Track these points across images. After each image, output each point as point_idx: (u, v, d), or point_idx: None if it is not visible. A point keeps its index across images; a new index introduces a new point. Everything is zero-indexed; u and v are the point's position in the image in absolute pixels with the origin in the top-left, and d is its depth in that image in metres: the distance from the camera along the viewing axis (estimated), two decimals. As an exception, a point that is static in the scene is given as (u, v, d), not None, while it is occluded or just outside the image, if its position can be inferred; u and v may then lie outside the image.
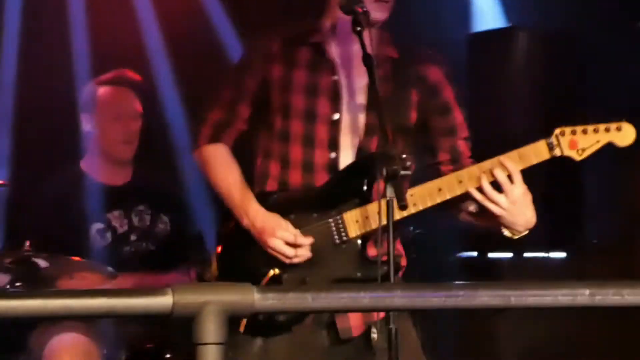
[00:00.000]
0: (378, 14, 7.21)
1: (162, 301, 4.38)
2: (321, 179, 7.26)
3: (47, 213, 9.72)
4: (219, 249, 7.64)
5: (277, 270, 7.24)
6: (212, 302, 4.33)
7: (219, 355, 4.32)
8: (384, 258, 6.97)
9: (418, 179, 7.11)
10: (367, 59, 6.99)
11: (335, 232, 7.14)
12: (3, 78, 10.95)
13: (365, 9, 7.05)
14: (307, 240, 7.14)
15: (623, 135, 7.05)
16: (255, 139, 7.51)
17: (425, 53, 7.38)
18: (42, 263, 8.92)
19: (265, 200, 7.30)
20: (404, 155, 6.93)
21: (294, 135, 7.26)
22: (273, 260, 7.20)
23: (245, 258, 7.38)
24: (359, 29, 7.06)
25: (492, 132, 10.42)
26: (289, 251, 7.13)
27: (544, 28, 10.81)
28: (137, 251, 9.87)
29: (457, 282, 6.82)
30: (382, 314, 6.99)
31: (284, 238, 7.11)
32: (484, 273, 10.00)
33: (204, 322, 4.32)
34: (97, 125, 9.97)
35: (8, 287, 9.11)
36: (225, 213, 7.49)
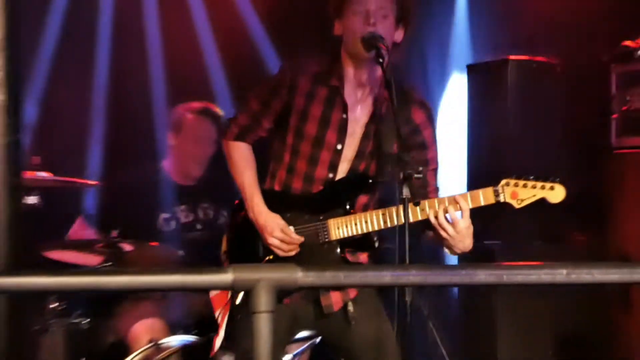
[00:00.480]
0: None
1: (225, 278, 4.31)
2: (317, 189, 7.30)
3: (131, 207, 9.52)
4: (231, 230, 7.64)
5: (272, 257, 7.26)
6: (264, 279, 4.25)
7: (269, 321, 4.26)
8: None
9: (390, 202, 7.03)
10: (388, 84, 6.83)
11: (320, 233, 7.19)
12: (97, 99, 10.57)
13: (386, 45, 6.90)
14: (298, 240, 7.18)
15: (555, 194, 7.06)
16: (271, 146, 7.46)
17: (414, 97, 7.30)
18: (126, 247, 9.07)
19: (271, 196, 7.34)
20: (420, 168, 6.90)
21: (303, 154, 7.28)
22: (269, 249, 7.24)
23: (249, 242, 7.37)
24: (381, 60, 6.82)
25: (489, 139, 10.15)
26: (284, 247, 7.18)
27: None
28: (202, 239, 9.53)
29: (460, 264, 6.88)
30: (354, 293, 7.24)
31: (280, 238, 7.17)
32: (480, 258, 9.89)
33: (258, 295, 4.23)
34: (179, 144, 9.77)
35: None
36: (240, 202, 7.47)
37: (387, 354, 7.13)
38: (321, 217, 7.20)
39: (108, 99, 10.70)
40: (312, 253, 7.13)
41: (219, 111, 10.01)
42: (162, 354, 8.63)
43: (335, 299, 7.20)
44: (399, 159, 6.89)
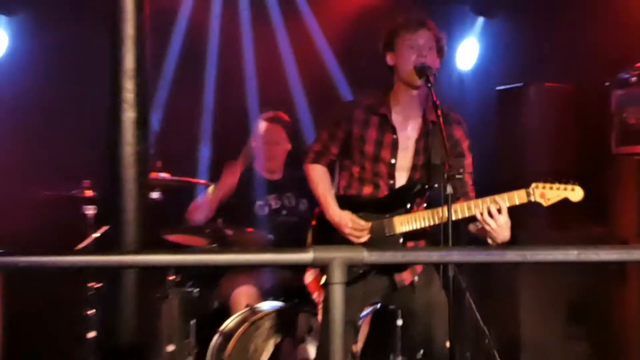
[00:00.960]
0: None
1: (307, 256, 4.41)
2: (382, 194, 7.37)
3: (232, 200, 9.61)
4: (314, 223, 7.65)
5: None
6: (337, 257, 4.34)
7: (341, 291, 4.33)
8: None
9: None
10: (435, 106, 6.91)
11: (386, 228, 7.23)
12: (205, 113, 10.58)
13: (434, 73, 7.02)
14: (366, 225, 7.22)
15: (575, 194, 7.05)
16: (341, 164, 7.54)
17: (453, 117, 7.33)
18: (228, 232, 9.15)
19: (347, 201, 7.42)
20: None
21: (367, 168, 7.37)
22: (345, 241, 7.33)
23: (328, 237, 7.35)
24: (429, 85, 6.93)
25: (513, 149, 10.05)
26: (356, 234, 7.25)
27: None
28: (287, 222, 9.62)
29: (494, 245, 6.90)
30: (419, 269, 7.36)
31: (352, 227, 7.25)
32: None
33: (332, 270, 4.32)
34: (258, 146, 9.77)
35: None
36: (320, 210, 7.55)
37: (439, 316, 7.06)
38: (387, 216, 7.22)
39: (213, 113, 10.70)
40: (380, 244, 7.09)
41: (287, 118, 10.01)
42: (256, 316, 8.66)
43: (406, 276, 7.26)
44: (445, 167, 6.85)
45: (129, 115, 4.97)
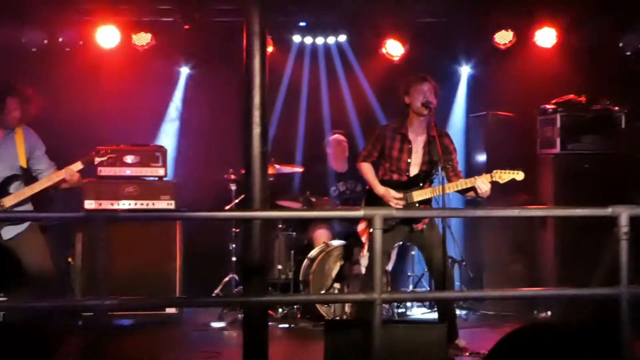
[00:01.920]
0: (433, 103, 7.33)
1: (359, 213, 4.58)
2: (404, 179, 7.46)
3: (315, 182, 9.70)
4: (365, 198, 7.75)
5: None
6: (378, 213, 4.38)
7: (380, 233, 4.38)
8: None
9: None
10: (435, 126, 7.27)
11: (408, 199, 7.37)
12: (300, 127, 10.66)
13: (434, 106, 7.30)
14: (399, 196, 7.35)
15: (519, 175, 7.27)
16: (379, 162, 7.63)
17: (443, 132, 7.52)
18: (313, 199, 9.23)
19: (385, 183, 7.50)
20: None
21: (393, 164, 7.49)
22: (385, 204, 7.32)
23: (373, 202, 7.45)
24: (431, 113, 7.28)
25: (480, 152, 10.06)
26: (393, 202, 7.34)
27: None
28: (349, 198, 9.62)
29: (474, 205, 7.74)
30: (426, 221, 7.36)
31: (391, 196, 7.36)
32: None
33: (375, 220, 4.34)
34: (330, 153, 9.84)
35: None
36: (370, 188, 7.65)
37: (439, 247, 7.19)
38: (408, 191, 7.37)
39: (304, 130, 10.70)
40: (406, 207, 7.12)
41: (344, 137, 9.91)
42: (329, 248, 8.74)
43: (419, 225, 7.32)
44: (441, 161, 7.16)
45: (256, 130, 5.02)
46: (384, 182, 7.55)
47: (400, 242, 7.97)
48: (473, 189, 7.24)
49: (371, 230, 4.77)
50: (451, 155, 7.42)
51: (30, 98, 7.10)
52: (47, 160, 7.22)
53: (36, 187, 7.06)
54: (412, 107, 7.42)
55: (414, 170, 7.46)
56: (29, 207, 7.12)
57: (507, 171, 7.26)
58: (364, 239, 7.62)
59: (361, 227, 7.61)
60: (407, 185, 7.45)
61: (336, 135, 9.93)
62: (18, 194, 7.01)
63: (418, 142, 7.48)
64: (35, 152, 7.16)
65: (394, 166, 7.50)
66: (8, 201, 6.98)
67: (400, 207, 7.24)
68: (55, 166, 7.22)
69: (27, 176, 7.18)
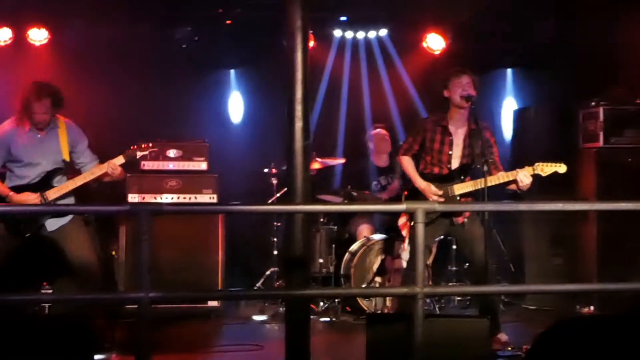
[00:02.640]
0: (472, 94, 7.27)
1: (401, 207, 4.83)
2: (445, 172, 7.39)
3: (356, 177, 9.66)
4: (405, 193, 7.69)
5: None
6: (420, 207, 4.42)
7: (422, 227, 4.42)
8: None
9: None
10: (475, 120, 7.20)
11: (449, 191, 7.32)
12: (341, 122, 10.65)
13: (475, 99, 7.21)
14: (438, 192, 7.30)
15: (562, 168, 7.19)
16: (420, 155, 7.54)
17: (484, 125, 7.29)
18: (354, 193, 9.21)
19: (426, 176, 7.44)
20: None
21: (434, 157, 7.42)
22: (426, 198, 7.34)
23: (414, 195, 7.42)
24: (472, 107, 7.18)
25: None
26: (434, 197, 7.29)
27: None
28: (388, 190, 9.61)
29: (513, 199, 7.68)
30: (467, 214, 7.28)
31: (432, 192, 7.30)
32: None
33: (417, 215, 4.39)
34: (373, 147, 9.80)
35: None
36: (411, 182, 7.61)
37: (479, 242, 7.13)
38: (449, 185, 7.30)
39: (345, 124, 10.67)
40: (447, 201, 7.17)
41: (386, 132, 9.86)
42: (370, 242, 8.72)
43: (459, 218, 7.26)
44: (482, 154, 7.07)
45: (298, 124, 5.05)
46: (424, 176, 7.49)
47: (442, 236, 7.84)
48: (514, 181, 7.17)
49: (412, 224, 4.77)
50: (491, 149, 7.32)
51: (61, 99, 7.14)
52: (90, 153, 7.28)
53: (79, 181, 7.11)
54: (452, 100, 7.36)
55: (455, 163, 7.40)
56: (71, 200, 7.18)
57: (550, 164, 7.20)
58: (404, 232, 7.56)
59: (402, 221, 7.55)
60: (448, 178, 7.39)
61: (378, 130, 9.90)
62: (61, 187, 7.07)
63: (459, 135, 7.41)
64: (77, 145, 7.22)
65: (435, 159, 7.44)
66: (52, 194, 7.04)
67: (441, 200, 7.24)
68: (98, 160, 7.27)
69: (70, 169, 7.24)
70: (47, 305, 7.31)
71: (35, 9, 9.59)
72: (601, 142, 8.98)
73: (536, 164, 7.19)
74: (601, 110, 9.00)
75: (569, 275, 9.18)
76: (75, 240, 7.07)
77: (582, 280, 8.98)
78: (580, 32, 10.04)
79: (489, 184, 7.08)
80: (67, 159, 7.16)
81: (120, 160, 7.16)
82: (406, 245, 7.83)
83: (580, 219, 9.15)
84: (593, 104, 9.09)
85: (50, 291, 7.52)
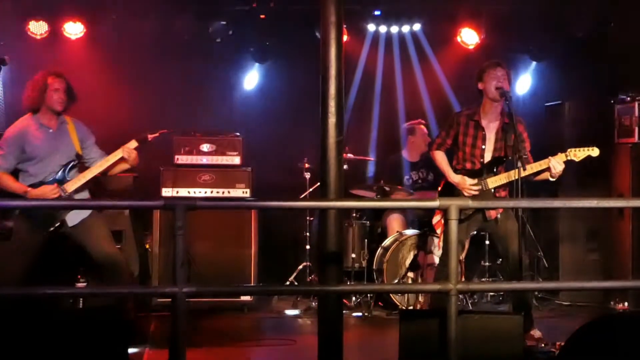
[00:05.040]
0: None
1: (435, 203, 4.57)
2: (478, 167, 7.34)
3: (389, 172, 9.69)
4: (440, 187, 7.65)
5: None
6: (454, 204, 4.41)
7: (456, 223, 4.41)
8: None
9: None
10: (510, 113, 7.14)
11: (483, 185, 7.27)
12: (374, 120, 10.60)
13: (509, 95, 7.18)
14: (473, 183, 7.24)
15: (594, 152, 7.19)
16: (453, 150, 7.49)
17: (517, 119, 7.22)
18: (387, 188, 9.16)
19: (459, 171, 7.40)
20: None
21: (467, 152, 7.37)
22: (460, 192, 7.29)
23: (450, 192, 7.37)
24: (507, 101, 7.15)
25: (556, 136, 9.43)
26: (467, 190, 7.24)
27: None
28: (422, 186, 9.57)
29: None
30: (500, 210, 7.24)
31: (467, 185, 7.25)
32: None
33: (451, 211, 4.38)
34: (413, 140, 9.76)
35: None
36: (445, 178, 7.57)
37: (513, 238, 7.11)
38: (483, 178, 7.25)
39: (378, 119, 10.60)
40: (481, 194, 7.14)
41: (424, 123, 9.87)
42: (403, 237, 8.76)
43: (492, 213, 7.18)
44: (515, 148, 7.00)
45: (332, 120, 5.06)
46: (457, 172, 7.44)
47: (475, 232, 7.84)
48: (545, 170, 7.14)
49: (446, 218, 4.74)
50: (524, 143, 7.27)
51: (74, 93, 7.18)
52: (98, 149, 7.31)
53: (95, 170, 7.14)
54: (486, 92, 7.32)
55: (487, 157, 7.37)
56: (85, 194, 7.22)
57: (582, 149, 7.18)
58: (439, 231, 7.58)
59: (436, 219, 7.55)
60: (481, 172, 7.35)
61: (422, 126, 9.89)
62: (79, 177, 7.09)
63: (491, 129, 7.36)
64: (86, 141, 7.25)
65: (468, 154, 7.39)
66: (69, 186, 7.04)
67: (476, 193, 7.21)
68: (106, 155, 7.24)
69: (82, 163, 7.28)
70: (81, 299, 7.38)
71: (72, 2, 9.68)
72: (636, 138, 8.92)
73: (568, 149, 7.17)
74: (637, 105, 8.93)
75: (604, 271, 9.19)
76: (96, 234, 7.10)
77: (617, 276, 8.92)
78: (616, 26, 9.98)
79: (522, 175, 7.03)
80: (80, 152, 7.20)
81: (133, 144, 7.16)
82: (441, 244, 7.94)
83: (616, 215, 9.09)
84: (628, 98, 9.03)
85: (84, 284, 7.57)
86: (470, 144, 7.39)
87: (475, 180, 7.30)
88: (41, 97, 7.03)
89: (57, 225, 7.01)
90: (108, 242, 7.16)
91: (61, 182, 7.06)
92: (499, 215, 7.26)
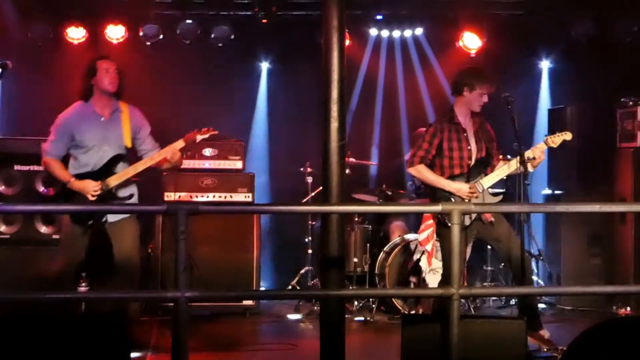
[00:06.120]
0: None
1: (437, 208, 4.64)
2: (465, 170, 7.12)
3: (392, 176, 9.78)
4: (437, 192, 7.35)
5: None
6: (456, 208, 4.37)
7: (458, 231, 4.36)
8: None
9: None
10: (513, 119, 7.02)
11: (478, 186, 7.07)
12: (376, 123, 10.60)
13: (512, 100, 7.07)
14: (473, 188, 7.04)
15: (568, 136, 7.10)
16: (434, 162, 7.17)
17: (483, 119, 7.26)
18: (389, 192, 9.21)
19: (450, 178, 7.12)
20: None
21: (455, 157, 7.13)
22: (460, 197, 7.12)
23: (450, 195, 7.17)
24: (510, 107, 7.02)
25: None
26: (469, 195, 7.05)
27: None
28: (426, 193, 9.36)
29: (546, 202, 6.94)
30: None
31: (468, 192, 7.03)
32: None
33: (453, 216, 4.34)
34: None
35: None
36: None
37: (513, 239, 7.05)
38: (476, 180, 7.06)
39: (380, 124, 10.60)
40: (479, 197, 7.01)
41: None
42: (405, 242, 8.72)
43: (488, 216, 7.05)
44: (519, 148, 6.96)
45: (334, 124, 5.04)
46: (450, 178, 7.21)
47: (474, 237, 7.62)
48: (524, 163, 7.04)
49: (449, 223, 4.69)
50: (494, 143, 7.28)
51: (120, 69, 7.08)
52: (152, 141, 7.18)
53: (140, 166, 7.01)
54: (468, 102, 7.21)
55: (474, 158, 7.21)
56: (133, 188, 7.10)
57: (557, 134, 7.12)
58: (428, 247, 7.55)
59: (423, 235, 7.48)
60: (470, 175, 7.19)
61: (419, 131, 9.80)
62: (123, 173, 6.96)
63: (469, 129, 7.24)
64: (140, 131, 7.11)
65: (456, 159, 7.19)
66: (113, 181, 6.94)
67: (477, 197, 7.09)
68: (159, 148, 7.13)
69: (132, 157, 7.15)
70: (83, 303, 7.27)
71: (114, 7, 9.73)
72: (638, 142, 8.92)
73: (545, 137, 7.15)
74: (639, 109, 8.93)
75: (606, 276, 9.18)
76: (128, 236, 6.99)
77: (619, 281, 8.92)
78: (618, 30, 9.95)
79: (509, 171, 7.06)
80: (129, 145, 7.06)
81: (180, 144, 7.03)
82: (433, 257, 7.85)
83: (618, 220, 9.10)
84: (631, 103, 9.02)
85: (86, 289, 7.51)
86: (456, 147, 7.18)
87: (472, 186, 7.15)
88: (91, 81, 6.95)
89: (98, 219, 6.90)
90: (133, 248, 7.03)
91: (106, 175, 6.95)
92: (492, 219, 7.17)
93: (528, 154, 6.99)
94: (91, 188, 6.85)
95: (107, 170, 6.97)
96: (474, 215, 7.01)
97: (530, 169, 7.05)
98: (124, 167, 7.03)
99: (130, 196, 7.06)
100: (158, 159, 6.99)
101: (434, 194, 7.22)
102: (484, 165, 7.21)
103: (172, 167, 7.23)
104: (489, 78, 7.22)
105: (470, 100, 7.16)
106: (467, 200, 7.08)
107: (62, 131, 6.97)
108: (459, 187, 7.08)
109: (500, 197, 7.21)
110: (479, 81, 7.14)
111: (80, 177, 6.93)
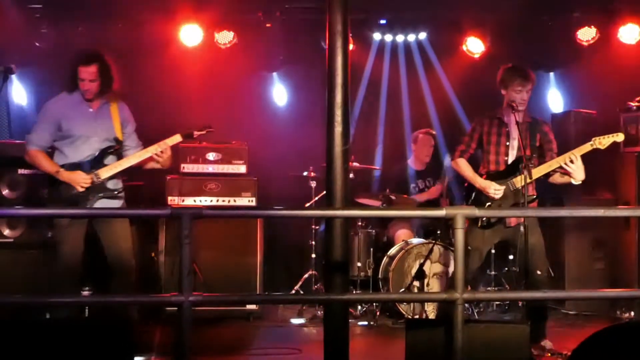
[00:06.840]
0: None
1: (441, 212, 4.46)
2: (502, 168, 7.32)
3: (394, 180, 9.70)
4: (465, 194, 7.60)
5: (490, 204, 7.29)
6: (460, 213, 4.39)
7: (462, 234, 4.39)
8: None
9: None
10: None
11: (510, 186, 7.24)
12: (380, 126, 10.67)
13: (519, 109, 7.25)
14: (501, 190, 7.20)
15: (619, 137, 7.06)
16: (480, 154, 7.47)
17: (542, 120, 7.47)
18: (392, 197, 9.18)
19: (486, 175, 7.35)
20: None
21: (492, 152, 7.35)
22: (487, 196, 7.27)
23: (476, 198, 7.39)
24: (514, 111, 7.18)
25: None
26: (494, 194, 7.21)
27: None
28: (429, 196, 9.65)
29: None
30: (522, 219, 7.12)
31: (493, 189, 7.20)
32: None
33: (456, 220, 4.36)
34: (415, 149, 9.81)
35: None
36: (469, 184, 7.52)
37: (541, 257, 7.14)
38: (509, 179, 7.22)
39: (384, 128, 10.65)
40: (507, 196, 7.17)
41: (434, 132, 9.91)
42: (409, 246, 8.71)
43: (512, 220, 7.13)
44: (540, 147, 7.22)
45: (338, 129, 5.05)
46: (486, 175, 7.41)
47: (498, 241, 7.71)
48: (558, 170, 7.10)
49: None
50: (551, 144, 7.34)
51: (110, 75, 6.89)
52: (136, 138, 7.14)
53: (133, 159, 6.96)
54: (506, 99, 7.35)
55: (512, 155, 7.34)
56: (119, 183, 7.03)
57: (607, 136, 7.03)
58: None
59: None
60: (507, 173, 7.32)
61: (425, 135, 9.89)
62: (114, 164, 6.92)
63: (511, 127, 7.33)
64: (127, 127, 7.06)
65: (493, 153, 7.38)
66: (103, 172, 6.87)
67: (500, 194, 7.22)
68: (142, 146, 7.07)
69: (121, 149, 7.08)
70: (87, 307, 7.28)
71: (223, 11, 9.74)
72: (642, 146, 8.97)
73: (593, 138, 7.07)
74: (642, 114, 8.99)
75: (609, 281, 9.17)
76: (118, 233, 6.90)
77: (623, 285, 8.91)
78: (623, 35, 9.93)
79: (542, 173, 7.10)
80: (121, 137, 7.00)
81: (177, 138, 7.01)
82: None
83: (622, 224, 9.09)
84: (634, 107, 9.02)
85: (89, 292, 7.50)
86: (494, 142, 7.38)
87: (503, 187, 7.25)
88: (74, 81, 6.83)
89: (84, 205, 6.78)
90: (126, 244, 6.94)
91: (96, 167, 6.88)
92: (521, 227, 7.11)
93: (551, 164, 7.07)
94: (81, 180, 6.78)
95: (97, 162, 6.90)
96: (495, 219, 7.17)
97: (572, 181, 7.05)
98: (113, 159, 6.96)
99: (121, 189, 7.01)
100: (154, 151, 6.93)
101: (470, 189, 7.48)
102: (525, 165, 7.16)
103: (160, 166, 7.10)
104: (518, 75, 7.32)
105: (509, 97, 7.27)
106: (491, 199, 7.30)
107: (49, 119, 6.87)
108: (485, 185, 7.32)
109: (535, 201, 7.23)
110: (509, 78, 7.29)
111: (69, 167, 6.83)
